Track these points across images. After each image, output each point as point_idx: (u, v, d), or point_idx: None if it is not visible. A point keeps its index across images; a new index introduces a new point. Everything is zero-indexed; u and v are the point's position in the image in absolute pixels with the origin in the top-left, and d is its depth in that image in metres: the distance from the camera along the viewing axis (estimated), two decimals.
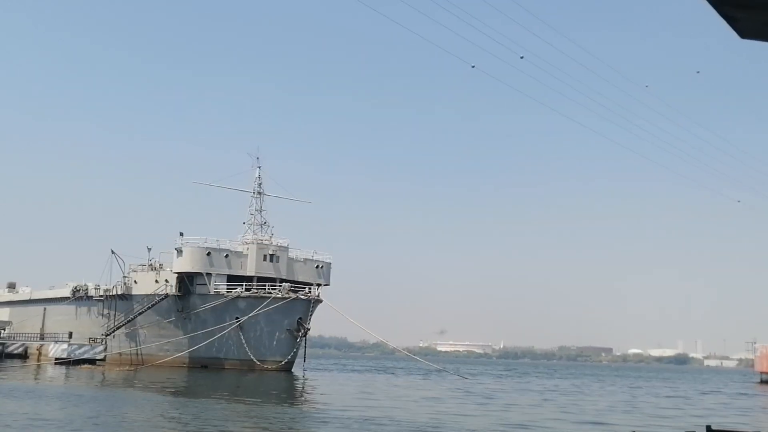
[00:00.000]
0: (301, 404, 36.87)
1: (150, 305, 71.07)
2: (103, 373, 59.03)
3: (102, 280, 79.38)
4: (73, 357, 71.42)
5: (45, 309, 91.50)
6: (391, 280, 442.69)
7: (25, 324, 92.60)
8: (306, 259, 74.58)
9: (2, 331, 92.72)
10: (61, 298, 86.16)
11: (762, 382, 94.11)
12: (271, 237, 74.36)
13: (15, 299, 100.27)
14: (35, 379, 52.13)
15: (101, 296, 78.35)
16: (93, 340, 75.43)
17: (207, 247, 70.18)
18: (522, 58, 55.53)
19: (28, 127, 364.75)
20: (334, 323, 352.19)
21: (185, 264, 69.97)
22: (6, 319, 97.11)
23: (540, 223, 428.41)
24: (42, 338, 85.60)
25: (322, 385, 54.03)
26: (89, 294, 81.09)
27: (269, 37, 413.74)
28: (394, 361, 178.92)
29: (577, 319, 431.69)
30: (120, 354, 74.58)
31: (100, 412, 27.72)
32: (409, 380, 66.11)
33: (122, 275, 76.95)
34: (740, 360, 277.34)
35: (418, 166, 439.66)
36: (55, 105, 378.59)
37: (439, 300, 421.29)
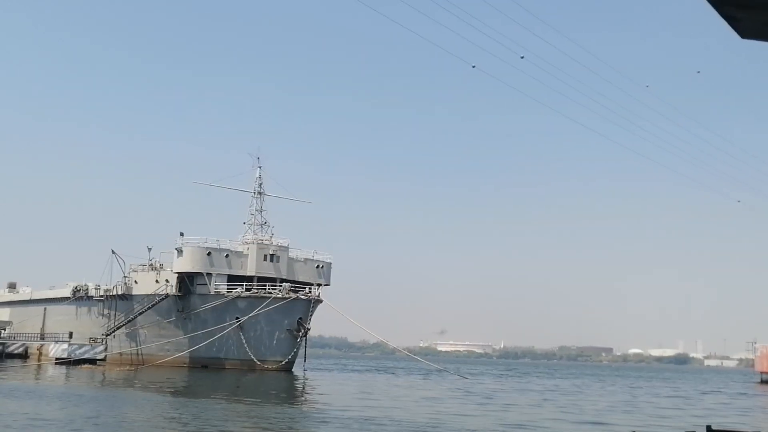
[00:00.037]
0: (302, 404, 36.88)
1: (150, 305, 71.09)
2: (103, 373, 59.04)
3: (102, 280, 79.57)
4: (73, 357, 71.43)
5: (45, 309, 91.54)
6: (391, 280, 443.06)
7: (26, 324, 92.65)
8: (306, 259, 74.59)
9: (3, 331, 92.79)
10: (61, 298, 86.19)
11: (762, 382, 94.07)
12: (271, 237, 74.39)
13: (15, 299, 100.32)
14: (36, 379, 52.16)
15: (101, 296, 78.38)
16: (93, 340, 75.46)
17: (207, 247, 70.19)
18: (522, 58, 55.59)
19: (28, 127, 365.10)
20: (334, 323, 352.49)
21: (185, 264, 69.99)
22: (6, 319, 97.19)
23: (540, 223, 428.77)
24: (42, 338, 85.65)
25: (322, 385, 54.05)
26: (89, 294, 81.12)
27: (269, 37, 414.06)
28: (394, 361, 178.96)
29: (577, 319, 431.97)
30: (120, 354, 74.60)
31: (100, 412, 27.73)
32: (409, 380, 66.11)
33: (122, 275, 77.03)
34: (740, 360, 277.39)
35: (418, 166, 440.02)
36: (55, 105, 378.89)
37: (440, 300, 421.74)
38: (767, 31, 4.29)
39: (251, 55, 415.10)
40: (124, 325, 73.74)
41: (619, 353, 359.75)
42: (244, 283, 68.96)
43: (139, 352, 73.81)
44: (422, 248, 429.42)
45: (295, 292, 68.04)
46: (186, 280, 70.49)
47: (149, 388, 42.67)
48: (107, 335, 74.83)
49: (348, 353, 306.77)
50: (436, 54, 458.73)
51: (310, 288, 69.84)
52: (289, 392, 45.70)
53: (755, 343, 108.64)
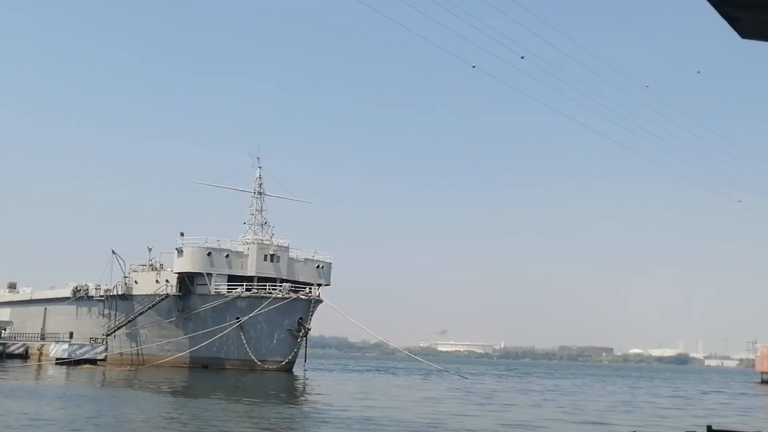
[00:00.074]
0: (302, 404, 36.88)
1: (151, 305, 71.10)
2: (103, 373, 59.05)
3: (103, 280, 79.56)
4: (73, 357, 71.44)
5: (46, 309, 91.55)
6: (392, 280, 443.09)
7: (26, 324, 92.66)
8: (306, 259, 74.59)
9: (3, 331, 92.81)
10: (61, 298, 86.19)
11: (763, 382, 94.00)
12: (271, 237, 74.39)
13: (16, 299, 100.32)
14: (36, 379, 52.18)
15: (102, 296, 78.39)
16: (94, 340, 75.46)
17: (207, 247, 70.20)
18: (522, 58, 55.55)
19: (28, 127, 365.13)
20: (334, 323, 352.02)
21: (186, 264, 70.00)
22: (7, 319, 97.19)
23: (540, 223, 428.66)
24: (43, 338, 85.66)
25: (322, 385, 54.05)
26: (90, 294, 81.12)
27: (269, 37, 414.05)
28: (394, 361, 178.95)
29: (577, 319, 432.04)
30: (121, 354, 74.61)
31: (100, 412, 27.73)
32: (409, 380, 66.10)
33: (123, 275, 77.03)
34: (741, 360, 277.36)
35: (418, 166, 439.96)
36: (55, 105, 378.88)
37: (440, 300, 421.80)
38: (767, 31, 4.28)
39: (251, 55, 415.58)
40: (124, 325, 73.75)
41: (619, 353, 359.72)
42: (245, 283, 68.96)
43: (140, 352, 73.81)
44: (422, 248, 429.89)
45: (296, 292, 68.04)
46: (186, 280, 70.51)
47: (149, 388, 42.67)
48: (107, 335, 74.83)
49: (348, 353, 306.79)
50: (436, 54, 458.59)
51: (310, 288, 69.84)
52: (290, 392, 45.70)
53: (756, 343, 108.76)
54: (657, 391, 61.94)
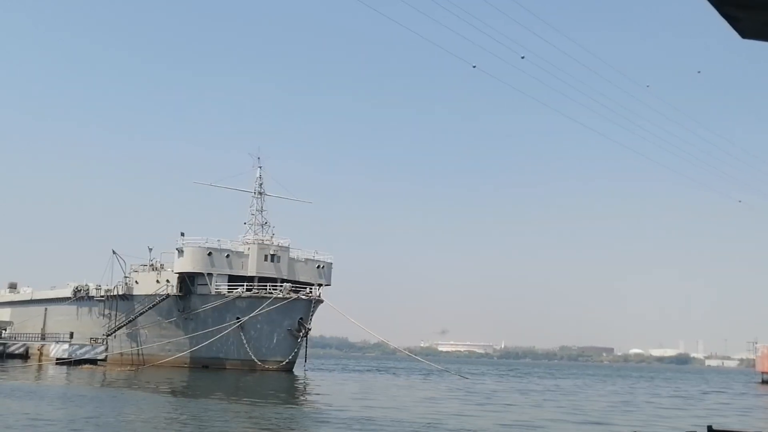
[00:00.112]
0: (302, 404, 36.88)
1: (151, 305, 71.11)
2: (104, 374, 59.05)
3: (103, 280, 79.58)
4: (74, 357, 71.45)
5: (46, 309, 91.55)
6: (392, 280, 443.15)
7: (27, 324, 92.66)
8: (307, 259, 74.60)
9: (3, 331, 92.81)
10: (62, 298, 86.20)
11: (763, 382, 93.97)
12: (272, 237, 74.40)
13: (16, 299, 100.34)
14: (36, 379, 52.17)
15: (102, 296, 78.40)
16: (94, 341, 75.47)
17: (208, 248, 70.21)
18: (523, 58, 55.49)
19: (28, 127, 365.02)
20: (335, 323, 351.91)
21: (186, 264, 70.01)
22: (7, 319, 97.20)
23: (540, 223, 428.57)
24: (43, 338, 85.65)
25: (322, 385, 54.04)
26: (90, 294, 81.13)
27: (269, 37, 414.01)
28: (395, 361, 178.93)
29: (577, 319, 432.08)
30: (121, 354, 74.62)
31: (101, 412, 27.73)
32: (410, 380, 66.10)
33: (123, 275, 77.05)
34: (741, 360, 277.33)
35: (418, 166, 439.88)
36: (55, 105, 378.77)
37: (440, 300, 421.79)
38: (767, 31, 4.27)
39: (251, 55, 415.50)
40: (124, 325, 73.76)
41: (620, 353, 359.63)
42: (245, 284, 68.96)
43: (140, 352, 73.82)
44: (422, 248, 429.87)
45: (296, 292, 68.04)
46: (187, 281, 70.52)
47: (150, 388, 42.67)
48: (108, 335, 74.84)
49: (349, 353, 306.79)
50: (436, 54, 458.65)
51: (310, 288, 69.83)
52: (290, 392, 45.69)
53: (756, 343, 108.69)
54: (657, 391, 61.92)
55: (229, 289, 68.99)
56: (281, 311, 67.01)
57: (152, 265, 75.86)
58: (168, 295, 70.61)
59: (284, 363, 67.56)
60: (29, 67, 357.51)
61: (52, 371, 61.55)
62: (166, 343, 71.47)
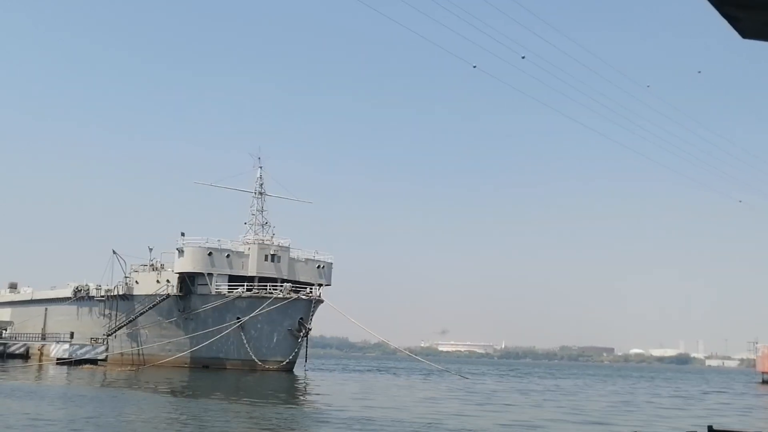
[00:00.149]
0: (302, 404, 36.89)
1: (151, 305, 71.12)
2: (104, 374, 59.07)
3: (103, 280, 79.59)
4: (74, 357, 71.46)
5: (46, 309, 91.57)
6: (392, 280, 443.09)
7: (27, 324, 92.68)
8: (307, 259, 74.61)
9: (4, 331, 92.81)
10: (62, 298, 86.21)
11: (764, 382, 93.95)
12: (272, 237, 74.40)
13: (16, 299, 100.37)
14: (37, 379, 52.18)
15: (102, 296, 78.41)
16: (94, 341, 75.48)
17: (208, 248, 70.22)
18: (524, 58, 55.47)
19: (28, 127, 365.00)
20: (335, 323, 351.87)
21: (186, 264, 70.02)
22: (7, 319, 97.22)
23: (540, 223, 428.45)
24: (43, 338, 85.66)
25: (323, 385, 54.04)
26: (90, 294, 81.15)
27: (269, 37, 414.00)
28: (395, 361, 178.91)
29: (577, 319, 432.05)
30: (121, 354, 74.63)
31: (101, 412, 27.73)
32: (410, 380, 66.10)
33: (123, 275, 77.06)
34: (742, 360, 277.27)
35: (418, 166, 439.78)
36: (55, 105, 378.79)
37: (440, 300, 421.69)
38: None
39: (251, 55, 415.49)
40: (125, 325, 73.77)
41: (620, 353, 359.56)
42: (245, 284, 68.96)
43: (140, 352, 73.84)
44: (422, 248, 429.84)
45: (296, 292, 68.04)
46: (187, 281, 70.53)
47: (150, 388, 42.68)
48: (108, 335, 74.85)
49: (349, 353, 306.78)
50: (436, 54, 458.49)
51: (311, 288, 69.83)
52: (290, 392, 45.69)
53: (756, 343, 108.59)
54: (658, 391, 61.91)
55: (229, 289, 68.99)
56: (281, 311, 67.01)
57: (152, 265, 75.88)
58: (168, 295, 70.62)
59: (284, 363, 67.56)
60: (29, 67, 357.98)
61: (53, 371, 61.57)
62: (167, 343, 71.48)
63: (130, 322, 73.29)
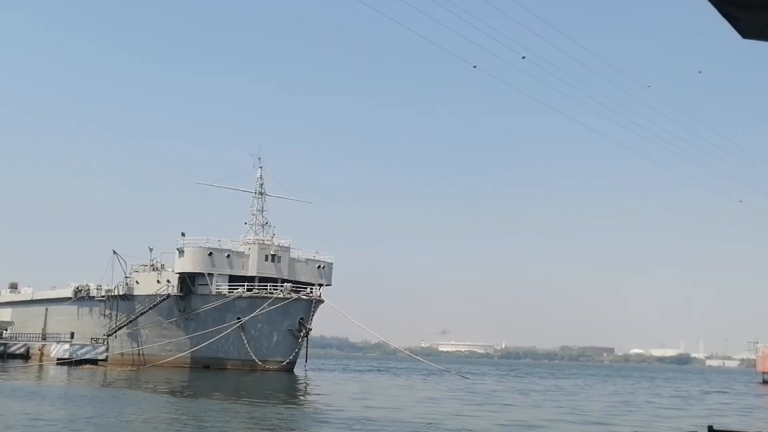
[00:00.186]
0: (302, 404, 36.89)
1: (152, 305, 71.14)
2: (104, 374, 59.08)
3: (104, 280, 79.57)
4: (74, 357, 71.47)
5: (47, 309, 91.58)
6: (392, 280, 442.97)
7: (27, 324, 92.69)
8: (307, 260, 74.62)
9: (4, 331, 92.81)
10: (62, 298, 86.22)
11: (764, 382, 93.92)
12: (272, 237, 74.40)
13: (17, 299, 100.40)
14: (37, 379, 52.19)
15: (103, 296, 78.42)
16: (95, 341, 75.49)
17: (208, 248, 70.23)
18: (524, 58, 55.45)
19: (28, 127, 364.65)
20: (335, 323, 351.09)
21: (187, 264, 70.03)
22: (8, 319, 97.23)
23: (540, 223, 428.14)
24: (44, 338, 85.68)
25: (323, 385, 54.04)
26: (91, 294, 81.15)
27: (269, 37, 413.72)
28: (395, 361, 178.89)
29: (577, 319, 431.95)
30: (122, 354, 74.64)
31: (101, 412, 27.74)
32: (410, 380, 66.10)
33: (124, 275, 77.09)
34: (742, 360, 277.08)
35: (418, 166, 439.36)
36: (55, 105, 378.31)
37: (440, 300, 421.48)
38: None
39: (251, 55, 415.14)
40: (125, 325, 73.78)
41: (620, 353, 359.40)
42: (246, 284, 68.96)
43: (141, 352, 73.86)
44: (422, 248, 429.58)
45: (297, 292, 68.04)
46: (187, 281, 70.54)
47: (150, 388, 42.69)
48: (109, 335, 74.87)
49: (349, 353, 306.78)
50: (436, 54, 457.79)
51: (311, 288, 69.84)
52: (290, 392, 45.70)
53: (757, 343, 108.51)
54: (658, 391, 61.90)
55: (229, 289, 69.01)
56: (282, 311, 67.01)
57: (153, 265, 75.89)
58: (168, 295, 70.64)
59: (285, 363, 67.56)
60: (29, 67, 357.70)
61: (53, 371, 61.59)
62: (167, 344, 71.49)
63: (130, 322, 73.30)
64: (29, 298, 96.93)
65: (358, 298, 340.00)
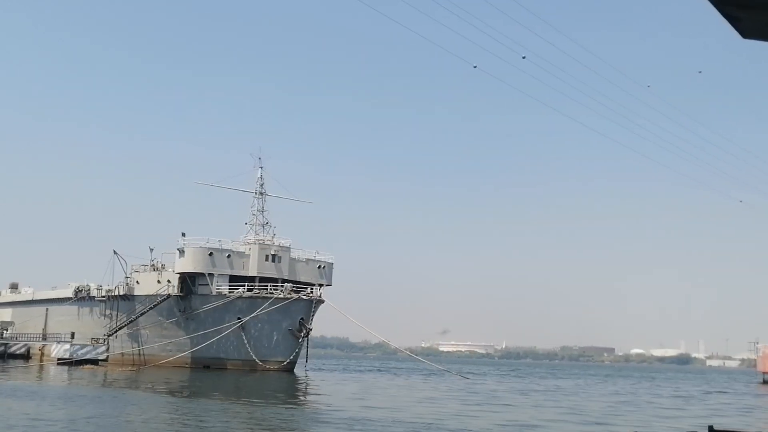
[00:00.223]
0: (303, 404, 36.90)
1: (152, 305, 71.14)
2: (105, 374, 59.10)
3: (104, 280, 79.54)
4: (75, 357, 71.49)
5: (47, 309, 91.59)
6: (392, 280, 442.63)
7: (28, 324, 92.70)
8: (308, 260, 74.62)
9: (5, 331, 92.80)
10: (63, 298, 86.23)
11: (764, 382, 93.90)
12: (273, 237, 74.41)
13: (17, 300, 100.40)
14: (38, 379, 52.21)
15: (103, 297, 78.43)
16: (95, 341, 75.50)
17: (209, 248, 70.23)
18: (524, 58, 55.49)
19: (28, 127, 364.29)
20: (336, 323, 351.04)
21: (187, 264, 70.04)
22: (8, 319, 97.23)
23: (540, 223, 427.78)
24: (44, 339, 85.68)
25: (323, 385, 54.05)
26: (91, 294, 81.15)
27: (269, 37, 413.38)
28: (396, 361, 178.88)
29: (578, 319, 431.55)
30: (122, 354, 74.66)
31: (102, 412, 27.75)
32: (410, 381, 66.10)
33: (124, 276, 77.09)
34: (743, 360, 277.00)
35: (418, 166, 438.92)
36: (55, 105, 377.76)
37: (440, 300, 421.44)
38: None
39: (251, 55, 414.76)
40: (126, 325, 73.79)
41: (620, 353, 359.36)
42: (246, 284, 68.97)
43: (141, 352, 73.86)
44: (422, 248, 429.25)
45: (297, 292, 68.05)
46: (188, 281, 70.55)
47: (151, 388, 42.70)
48: (109, 336, 74.88)
49: (350, 353, 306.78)
50: (436, 54, 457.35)
51: (311, 288, 69.85)
52: (291, 393, 45.71)
53: (757, 343, 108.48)
54: (658, 391, 61.90)
55: (230, 289, 69.02)
56: (282, 311, 67.02)
57: (153, 265, 75.90)
58: (169, 296, 70.64)
59: (285, 363, 67.57)
60: (29, 67, 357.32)
61: (54, 371, 61.61)
62: (167, 344, 71.49)
63: (130, 322, 73.31)
64: (30, 299, 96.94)
65: (359, 298, 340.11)
